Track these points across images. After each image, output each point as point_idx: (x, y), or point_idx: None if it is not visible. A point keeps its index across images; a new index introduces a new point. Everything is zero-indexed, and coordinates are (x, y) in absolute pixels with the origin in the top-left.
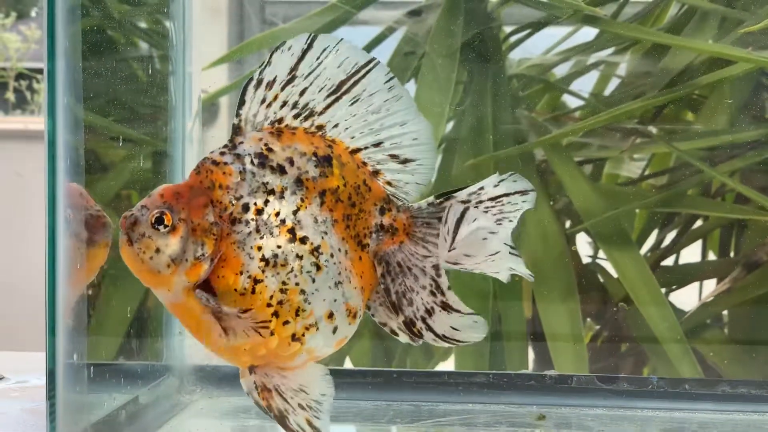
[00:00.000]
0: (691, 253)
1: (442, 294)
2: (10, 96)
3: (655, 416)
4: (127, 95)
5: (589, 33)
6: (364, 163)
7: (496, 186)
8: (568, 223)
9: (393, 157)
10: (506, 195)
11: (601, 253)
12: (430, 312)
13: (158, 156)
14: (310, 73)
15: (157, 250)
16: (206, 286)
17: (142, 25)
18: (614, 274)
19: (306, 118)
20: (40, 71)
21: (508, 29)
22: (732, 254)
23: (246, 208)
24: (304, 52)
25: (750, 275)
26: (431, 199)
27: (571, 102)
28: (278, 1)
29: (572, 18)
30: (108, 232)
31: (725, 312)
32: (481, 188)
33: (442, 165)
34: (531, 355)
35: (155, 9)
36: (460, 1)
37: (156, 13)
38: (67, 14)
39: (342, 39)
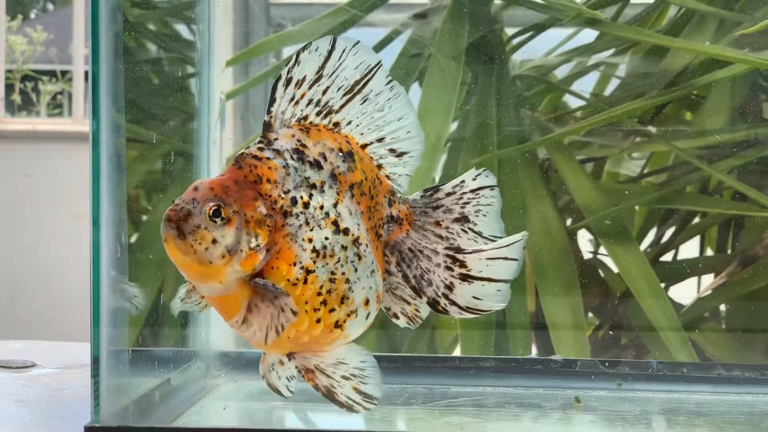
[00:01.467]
0: (690, 250)
1: (462, 266)
2: (16, 98)
3: (654, 397)
4: (153, 97)
5: (590, 35)
6: (370, 158)
7: (474, 179)
8: (570, 220)
9: (391, 151)
10: (481, 188)
11: (602, 249)
12: (450, 287)
13: (185, 156)
14: (332, 73)
15: (214, 242)
16: (257, 277)
17: (171, 29)
18: (615, 269)
19: (325, 116)
20: (45, 73)
21: (511, 31)
22: (729, 250)
23: (294, 201)
24: (330, 53)
25: (745, 270)
26: (421, 192)
27: (573, 102)
28: (285, 3)
29: (573, 20)
30: None
31: (723, 305)
32: (462, 181)
33: (447, 163)
34: (534, 349)
35: (183, 12)
36: (465, 4)
37: (182, 17)
38: (109, 18)
39: (359, 41)
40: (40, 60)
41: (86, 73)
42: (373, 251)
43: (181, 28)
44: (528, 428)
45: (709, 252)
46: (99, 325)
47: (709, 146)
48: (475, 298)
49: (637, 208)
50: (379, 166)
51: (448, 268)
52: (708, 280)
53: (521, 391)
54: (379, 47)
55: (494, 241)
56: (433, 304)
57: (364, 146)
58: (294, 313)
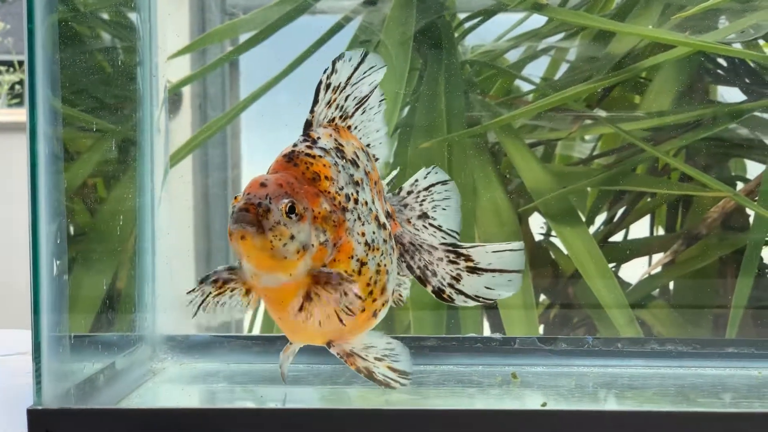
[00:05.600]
0: (641, 229)
1: (467, 259)
2: None
3: (590, 372)
4: (96, 86)
5: (542, 19)
6: None
7: (425, 178)
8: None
9: (372, 156)
10: (433, 185)
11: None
12: (456, 278)
13: (129, 144)
14: (356, 83)
15: (292, 238)
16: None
17: (111, 17)
18: (565, 250)
19: (344, 120)
20: (3, 63)
21: (461, 16)
22: (679, 229)
23: (348, 197)
24: (359, 65)
25: (689, 248)
26: (388, 192)
27: (525, 88)
28: None
29: (521, 5)
30: None
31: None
32: (416, 180)
33: (398, 148)
34: (486, 330)
35: (123, 1)
36: None
37: (123, 5)
38: (45, 7)
39: (386, 64)
40: None
41: None
42: None
43: (123, 16)
44: (465, 403)
45: (661, 231)
46: (39, 312)
47: (656, 128)
48: (486, 288)
49: (588, 190)
50: None
51: (452, 262)
52: (657, 259)
53: (461, 368)
54: (329, 34)
55: (453, 235)
56: (438, 293)
57: None
58: (358, 296)
